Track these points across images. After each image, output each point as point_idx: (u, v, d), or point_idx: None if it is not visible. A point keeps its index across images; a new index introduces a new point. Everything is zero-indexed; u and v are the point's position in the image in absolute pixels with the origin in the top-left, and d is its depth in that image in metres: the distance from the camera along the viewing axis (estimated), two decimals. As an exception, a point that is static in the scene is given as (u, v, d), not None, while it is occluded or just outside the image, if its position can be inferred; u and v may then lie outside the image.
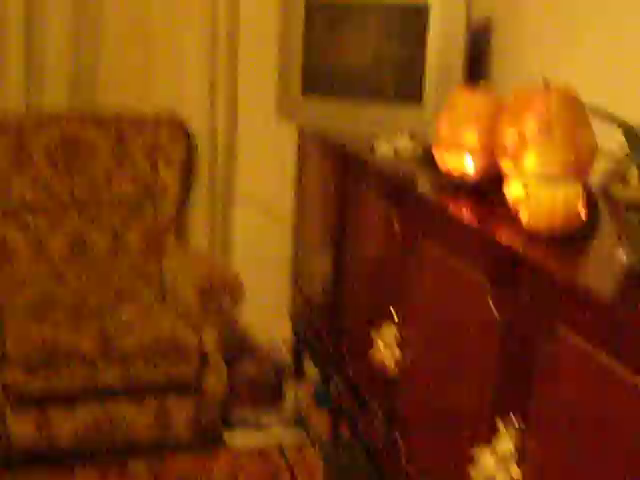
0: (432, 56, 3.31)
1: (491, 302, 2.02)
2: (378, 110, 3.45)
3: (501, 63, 3.39)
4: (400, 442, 2.65)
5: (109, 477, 3.32)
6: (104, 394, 3.32)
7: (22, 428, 3.26)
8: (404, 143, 3.18)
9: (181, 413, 3.42)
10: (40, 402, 3.26)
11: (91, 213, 3.76)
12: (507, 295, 1.95)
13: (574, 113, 2.11)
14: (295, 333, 4.04)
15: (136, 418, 3.37)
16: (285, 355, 4.10)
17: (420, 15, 3.31)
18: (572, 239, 1.96)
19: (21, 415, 3.25)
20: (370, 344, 2.73)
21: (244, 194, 4.13)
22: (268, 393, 3.81)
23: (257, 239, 4.13)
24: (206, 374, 3.43)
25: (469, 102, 2.62)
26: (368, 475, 3.18)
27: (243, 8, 4.01)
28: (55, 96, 3.88)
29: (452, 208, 2.42)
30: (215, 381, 3.44)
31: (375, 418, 2.87)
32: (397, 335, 2.65)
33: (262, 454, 3.52)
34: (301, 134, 3.86)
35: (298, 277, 3.96)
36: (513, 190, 2.15)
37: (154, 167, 3.82)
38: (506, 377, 1.96)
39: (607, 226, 1.86)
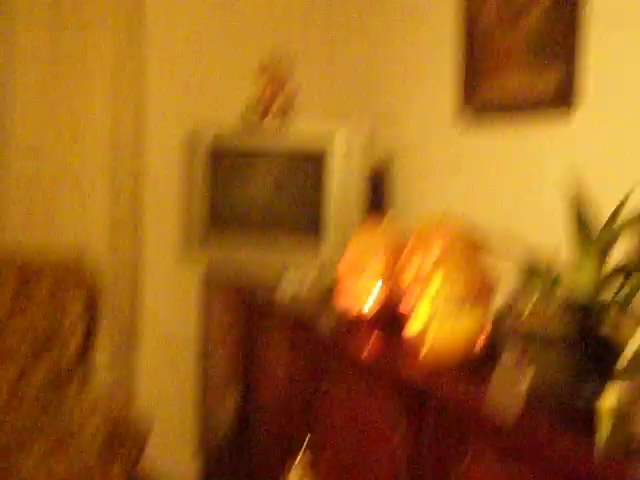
0: (331, 196, 3.44)
1: (399, 433, 2.07)
2: (280, 248, 3.54)
3: (400, 197, 3.54)
4: None
5: None
6: None
7: None
8: (307, 280, 3.26)
9: None
10: None
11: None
12: (415, 425, 2.01)
13: (472, 247, 2.22)
14: (203, 471, 3.99)
15: None
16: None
17: (318, 161, 3.46)
18: (473, 367, 2.04)
19: None
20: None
21: (149, 335, 4.14)
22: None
23: (162, 379, 4.13)
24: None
25: (369, 240, 2.73)
26: None
27: (148, 151, 4.12)
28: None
29: (352, 346, 2.48)
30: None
31: None
32: (308, 470, 2.66)
33: None
34: (205, 276, 3.90)
35: (205, 417, 3.95)
36: (414, 324, 2.23)
37: (56, 313, 3.78)
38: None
39: (506, 354, 1.95)
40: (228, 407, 3.42)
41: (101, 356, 4.00)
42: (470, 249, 2.25)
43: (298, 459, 2.69)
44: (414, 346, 2.18)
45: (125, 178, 4.06)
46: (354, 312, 2.67)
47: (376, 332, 2.55)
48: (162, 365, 4.14)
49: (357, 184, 3.44)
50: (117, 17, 3.99)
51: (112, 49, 4.01)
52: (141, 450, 3.40)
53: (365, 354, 2.39)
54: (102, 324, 3.98)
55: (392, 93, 3.69)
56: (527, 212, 2.65)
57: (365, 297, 2.65)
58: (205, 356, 3.93)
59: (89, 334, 3.86)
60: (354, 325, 2.64)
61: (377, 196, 3.62)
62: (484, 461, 1.75)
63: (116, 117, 4.03)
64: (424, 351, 2.11)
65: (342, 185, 3.43)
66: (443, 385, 1.99)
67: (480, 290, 2.20)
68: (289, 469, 2.70)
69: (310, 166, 3.52)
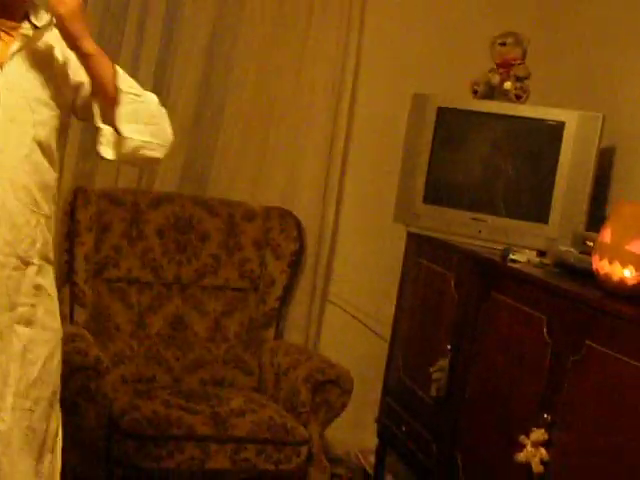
0: (562, 175, 3.34)
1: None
2: (500, 225, 3.45)
3: (624, 184, 3.44)
4: None
5: None
6: (212, 477, 3.22)
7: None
8: (534, 257, 3.18)
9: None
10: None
11: (194, 296, 3.73)
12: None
13: None
14: (381, 441, 3.94)
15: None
16: (369, 463, 4.00)
17: (554, 132, 3.35)
18: None
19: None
20: (509, 448, 2.69)
21: (339, 294, 4.15)
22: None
23: (347, 341, 4.13)
24: (311, 470, 3.34)
25: (634, 214, 2.66)
26: None
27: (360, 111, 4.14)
28: (167, 178, 3.92)
29: (616, 311, 2.41)
30: (319, 478, 3.35)
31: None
32: (546, 438, 2.60)
33: None
34: (412, 241, 3.82)
35: (391, 384, 3.88)
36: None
37: (263, 258, 3.81)
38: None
39: None
40: (438, 373, 3.35)
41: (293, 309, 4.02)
42: None
43: (532, 436, 2.62)
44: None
45: (336, 142, 4.07)
46: (609, 283, 2.60)
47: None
48: (348, 326, 4.15)
49: (588, 167, 3.33)
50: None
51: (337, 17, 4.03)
52: (347, 398, 3.38)
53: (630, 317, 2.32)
54: (299, 280, 3.98)
55: (623, 81, 3.58)
56: None
57: (623, 272, 2.59)
58: (400, 319, 3.86)
59: (289, 285, 3.87)
60: (610, 294, 2.57)
61: (601, 184, 3.50)
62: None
63: (334, 81, 4.05)
64: None
65: (573, 166, 3.33)
66: None
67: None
68: (524, 439, 2.63)
69: (543, 140, 3.43)
